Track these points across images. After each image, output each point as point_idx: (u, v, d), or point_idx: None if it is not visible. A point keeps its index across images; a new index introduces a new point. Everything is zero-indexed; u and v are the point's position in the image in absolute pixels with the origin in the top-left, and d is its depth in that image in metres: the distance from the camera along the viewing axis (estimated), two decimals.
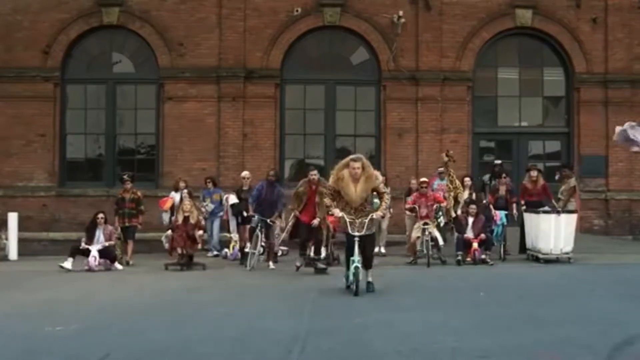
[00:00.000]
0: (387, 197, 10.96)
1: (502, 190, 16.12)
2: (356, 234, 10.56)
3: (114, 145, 20.39)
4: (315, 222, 13.66)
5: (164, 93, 19.97)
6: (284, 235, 14.94)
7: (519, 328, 8.31)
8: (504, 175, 16.56)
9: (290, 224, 14.48)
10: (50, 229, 19.54)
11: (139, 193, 16.39)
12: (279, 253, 16.04)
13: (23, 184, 19.86)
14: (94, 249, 14.87)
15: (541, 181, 16.16)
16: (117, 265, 15.12)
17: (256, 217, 14.57)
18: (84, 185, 20.04)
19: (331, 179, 10.89)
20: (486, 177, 17.12)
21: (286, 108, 20.36)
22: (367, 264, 10.75)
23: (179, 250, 14.73)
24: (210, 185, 17.57)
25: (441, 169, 16.59)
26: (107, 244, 15.13)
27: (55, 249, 18.08)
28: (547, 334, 7.96)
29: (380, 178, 11.02)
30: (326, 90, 20.33)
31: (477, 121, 20.46)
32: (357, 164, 10.61)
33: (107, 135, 20.31)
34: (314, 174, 13.94)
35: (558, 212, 15.17)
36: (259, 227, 14.46)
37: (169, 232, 15.04)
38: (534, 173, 16.10)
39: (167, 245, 14.96)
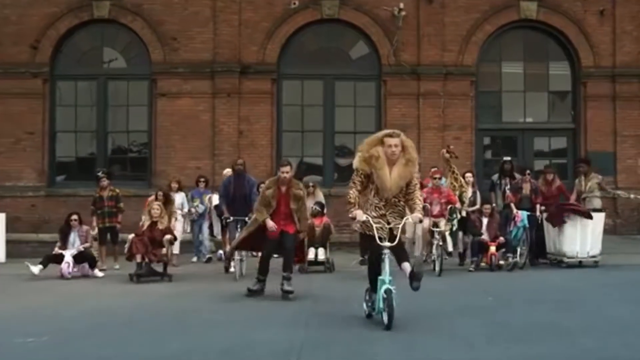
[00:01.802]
0: (419, 193, 8.56)
1: (526, 189, 14.89)
2: (387, 244, 8.21)
3: (105, 143, 19.75)
4: (302, 236, 11.07)
5: (157, 89, 19.33)
6: (235, 243, 11.94)
7: (534, 337, 7.67)
8: (528, 171, 15.35)
9: (244, 232, 11.36)
10: (40, 230, 18.87)
11: (117, 190, 15.55)
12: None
13: (11, 184, 19.19)
14: (68, 254, 13.78)
15: (557, 182, 15.37)
16: (97, 272, 13.96)
17: (231, 218, 13.24)
18: (74, 185, 19.31)
19: (357, 160, 8.38)
20: (495, 177, 16.05)
21: (283, 104, 19.70)
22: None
23: (138, 258, 13.02)
24: (202, 185, 16.77)
25: (434, 169, 15.07)
26: (82, 248, 14.03)
27: (45, 250, 17.17)
28: (564, 345, 7.33)
29: (417, 168, 8.58)
30: (325, 85, 19.69)
31: (480, 117, 19.84)
32: (396, 140, 8.29)
33: (98, 133, 19.65)
34: (285, 171, 10.70)
35: (590, 213, 14.17)
36: (238, 230, 12.90)
37: (131, 236, 13.45)
38: (549, 175, 15.27)
39: (126, 251, 13.43)
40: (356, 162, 8.44)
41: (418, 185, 8.66)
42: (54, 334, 8.24)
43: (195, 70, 19.22)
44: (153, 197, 14.84)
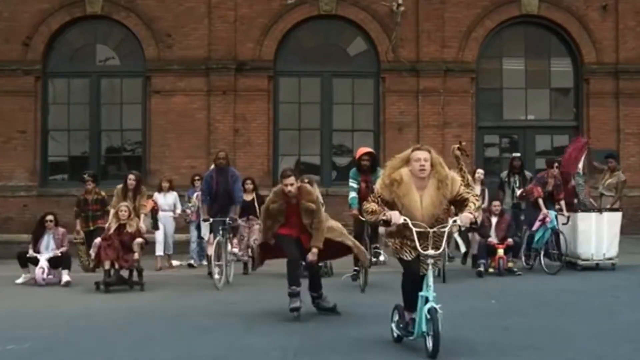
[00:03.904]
0: (473, 199, 7.20)
1: (551, 184, 13.68)
2: (430, 252, 6.96)
3: (99, 142, 19.38)
4: (311, 257, 9.04)
5: (151, 86, 18.97)
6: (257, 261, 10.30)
7: (543, 343, 7.30)
8: (556, 164, 14.12)
9: (257, 245, 10.23)
10: (32, 231, 18.48)
11: (102, 193, 14.94)
12: None
13: (2, 184, 18.83)
14: (43, 259, 12.88)
15: (571, 180, 14.90)
16: (65, 276, 12.75)
17: (210, 220, 12.13)
18: (67, 184, 18.96)
19: (379, 184, 7.23)
20: (504, 174, 15.46)
21: (280, 102, 19.33)
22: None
23: (107, 265, 11.76)
24: (199, 183, 16.22)
25: None
26: (59, 253, 13.03)
27: None
28: (574, 352, 6.96)
29: (459, 181, 7.32)
30: (322, 82, 19.33)
31: (481, 115, 19.52)
32: (424, 155, 7.03)
33: (92, 131, 19.28)
34: (289, 183, 8.99)
35: (599, 211, 13.68)
36: (220, 233, 11.89)
37: (97, 240, 12.12)
38: None
39: (92, 257, 12.26)
40: (377, 186, 7.32)
41: (472, 193, 7.45)
42: (36, 340, 7.85)
43: (190, 67, 18.87)
44: (121, 185, 13.59)
